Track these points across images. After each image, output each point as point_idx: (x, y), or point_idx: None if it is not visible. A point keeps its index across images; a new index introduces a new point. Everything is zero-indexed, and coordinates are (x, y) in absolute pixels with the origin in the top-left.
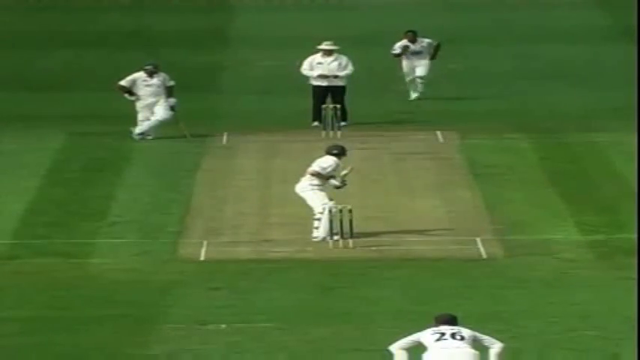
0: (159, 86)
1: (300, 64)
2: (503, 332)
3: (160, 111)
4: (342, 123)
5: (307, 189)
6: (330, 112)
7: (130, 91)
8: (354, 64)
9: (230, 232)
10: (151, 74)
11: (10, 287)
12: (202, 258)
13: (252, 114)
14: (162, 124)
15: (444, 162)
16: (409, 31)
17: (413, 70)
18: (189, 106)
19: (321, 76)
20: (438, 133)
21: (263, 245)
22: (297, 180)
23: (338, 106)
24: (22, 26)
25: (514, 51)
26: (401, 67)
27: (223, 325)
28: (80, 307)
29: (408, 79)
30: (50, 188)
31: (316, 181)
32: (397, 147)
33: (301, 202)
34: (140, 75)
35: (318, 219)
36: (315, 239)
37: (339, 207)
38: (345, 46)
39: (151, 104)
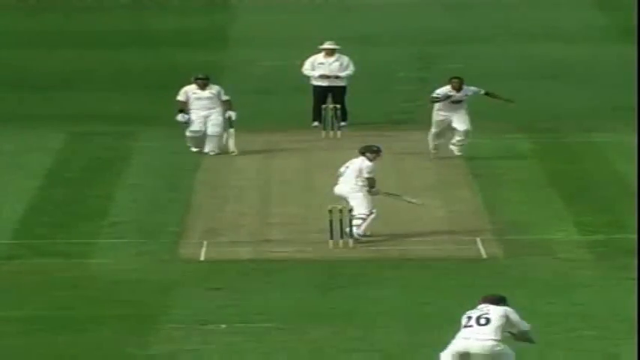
0: (211, 99)
1: (302, 65)
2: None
3: (210, 126)
4: (342, 123)
5: (357, 191)
6: (330, 112)
7: (183, 109)
8: (354, 64)
9: (230, 232)
10: (203, 86)
11: (10, 287)
12: (202, 258)
13: (252, 114)
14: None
15: (444, 162)
16: (455, 78)
17: (447, 121)
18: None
19: (323, 77)
20: None
21: (263, 245)
22: (297, 180)
23: (338, 106)
24: (22, 26)
25: (514, 51)
26: (432, 114)
27: (223, 325)
28: (80, 307)
29: (435, 130)
30: (50, 188)
31: (365, 184)
32: (397, 147)
33: (301, 202)
34: (191, 87)
35: (363, 218)
36: (356, 236)
37: (339, 207)
38: (345, 46)
39: (203, 117)
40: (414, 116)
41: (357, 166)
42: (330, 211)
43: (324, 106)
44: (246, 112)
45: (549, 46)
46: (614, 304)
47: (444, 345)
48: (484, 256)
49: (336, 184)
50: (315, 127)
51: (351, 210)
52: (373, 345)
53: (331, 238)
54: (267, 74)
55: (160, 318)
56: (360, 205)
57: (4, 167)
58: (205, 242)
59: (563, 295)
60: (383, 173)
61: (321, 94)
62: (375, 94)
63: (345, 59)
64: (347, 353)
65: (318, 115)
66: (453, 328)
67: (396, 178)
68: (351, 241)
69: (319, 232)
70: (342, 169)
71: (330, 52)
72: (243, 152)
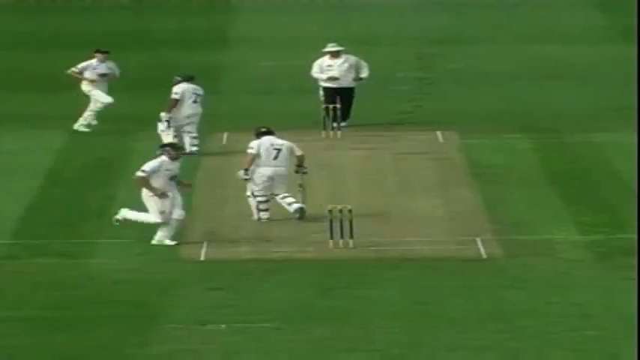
0: None
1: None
2: (503, 332)
3: None
4: (343, 123)
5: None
6: (330, 113)
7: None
8: (364, 61)
9: (230, 232)
10: (336, 55)
11: (10, 287)
12: (202, 258)
13: (252, 114)
14: None
15: (444, 162)
16: None
17: None
18: None
19: (331, 79)
20: (438, 133)
21: (263, 245)
22: (296, 179)
23: (338, 106)
24: (22, 26)
25: (514, 51)
26: None
27: (223, 325)
28: (80, 307)
29: None
30: (50, 188)
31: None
32: (397, 147)
33: (301, 201)
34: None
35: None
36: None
37: (339, 207)
38: (345, 47)
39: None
40: (414, 116)
41: (288, 145)
42: (330, 211)
43: (323, 106)
44: (246, 112)
45: (549, 46)
46: (614, 304)
47: (444, 345)
48: (484, 256)
49: (273, 169)
50: (335, 129)
51: (278, 195)
52: (373, 345)
53: (331, 238)
54: (267, 74)
55: (160, 318)
56: (286, 184)
57: (4, 167)
58: (205, 242)
59: (563, 295)
60: (383, 173)
61: (331, 96)
62: (375, 94)
63: (353, 59)
64: (347, 353)
65: (328, 117)
66: (453, 328)
67: (396, 178)
68: (350, 242)
69: (319, 232)
70: (270, 152)
71: (335, 54)
72: (243, 152)
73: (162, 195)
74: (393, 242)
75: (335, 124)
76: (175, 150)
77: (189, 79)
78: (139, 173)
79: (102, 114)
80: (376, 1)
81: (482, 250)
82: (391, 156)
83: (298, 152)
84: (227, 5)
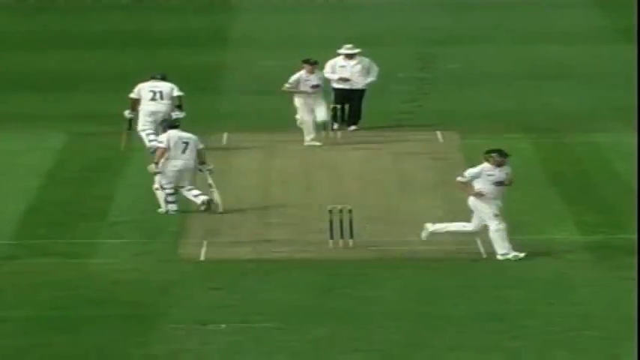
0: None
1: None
2: (503, 332)
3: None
4: (352, 127)
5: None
6: (338, 113)
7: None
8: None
9: (230, 232)
10: (350, 56)
11: (10, 287)
12: (202, 258)
13: (252, 114)
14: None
15: (444, 162)
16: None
17: None
18: (189, 107)
19: (342, 79)
20: (438, 133)
21: (263, 245)
22: (297, 180)
23: (338, 106)
24: (22, 26)
25: (514, 51)
26: None
27: (223, 325)
28: (80, 307)
29: None
30: (50, 188)
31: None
32: (397, 147)
33: (301, 202)
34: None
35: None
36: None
37: (339, 207)
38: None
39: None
40: (414, 116)
41: (195, 139)
42: (330, 211)
43: (331, 106)
44: (246, 112)
45: (549, 46)
46: (614, 304)
47: (444, 345)
48: (484, 256)
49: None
50: (335, 129)
51: (184, 187)
52: (373, 345)
53: (331, 238)
54: (267, 74)
55: (160, 318)
56: (192, 177)
57: (4, 167)
58: (205, 242)
59: (563, 295)
60: (383, 173)
61: (342, 97)
62: (375, 94)
63: (366, 60)
64: (347, 353)
65: (335, 117)
66: (453, 328)
67: (396, 178)
68: (350, 242)
69: (319, 232)
70: (178, 145)
71: (350, 55)
72: (243, 152)
73: (478, 195)
74: (393, 242)
75: (335, 126)
76: (501, 156)
77: (151, 78)
78: (459, 178)
79: (102, 114)
80: (376, 1)
81: (482, 250)
82: (391, 156)
83: (200, 145)
84: (227, 5)
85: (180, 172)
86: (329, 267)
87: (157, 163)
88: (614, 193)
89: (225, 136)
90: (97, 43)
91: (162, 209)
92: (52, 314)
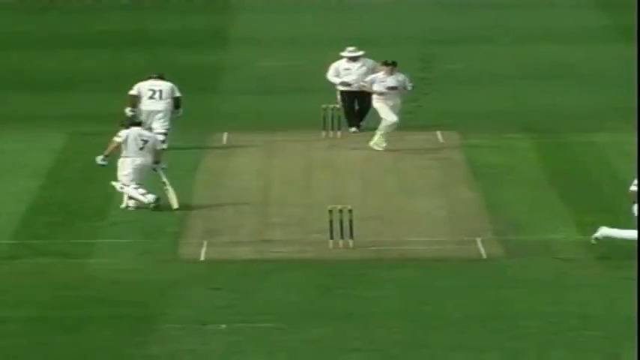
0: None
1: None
2: (503, 332)
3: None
4: (353, 129)
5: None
6: (331, 113)
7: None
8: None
9: (230, 232)
10: (354, 59)
11: (10, 287)
12: (202, 258)
13: (252, 114)
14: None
15: (444, 162)
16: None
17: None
18: (189, 107)
19: (344, 84)
20: (438, 133)
21: (263, 245)
22: (297, 180)
23: (338, 106)
24: (22, 26)
25: (514, 51)
26: None
27: (223, 325)
28: (80, 307)
29: None
30: (50, 188)
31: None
32: (397, 147)
33: (301, 202)
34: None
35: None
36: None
37: (339, 207)
38: (345, 46)
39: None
40: (414, 116)
41: (155, 138)
42: (330, 211)
43: (323, 106)
44: (246, 112)
45: (549, 46)
46: (614, 304)
47: (444, 345)
48: (484, 256)
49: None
50: (354, 132)
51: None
52: (373, 345)
53: (331, 238)
54: (267, 74)
55: (160, 318)
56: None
57: (4, 167)
58: (205, 242)
59: (563, 295)
60: (383, 173)
61: (350, 98)
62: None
63: (371, 62)
64: (347, 353)
65: (351, 119)
66: (453, 328)
67: (396, 178)
68: (350, 242)
69: (319, 232)
70: (137, 142)
71: (353, 58)
72: (243, 152)
73: None
74: (393, 242)
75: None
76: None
77: (149, 78)
78: (632, 187)
79: (101, 114)
80: (376, 1)
81: (482, 250)
82: (391, 156)
83: (159, 146)
84: (227, 5)
85: (141, 169)
86: (329, 267)
87: (106, 156)
88: (614, 193)
89: (225, 136)
90: (97, 43)
91: (145, 201)
92: (52, 314)
